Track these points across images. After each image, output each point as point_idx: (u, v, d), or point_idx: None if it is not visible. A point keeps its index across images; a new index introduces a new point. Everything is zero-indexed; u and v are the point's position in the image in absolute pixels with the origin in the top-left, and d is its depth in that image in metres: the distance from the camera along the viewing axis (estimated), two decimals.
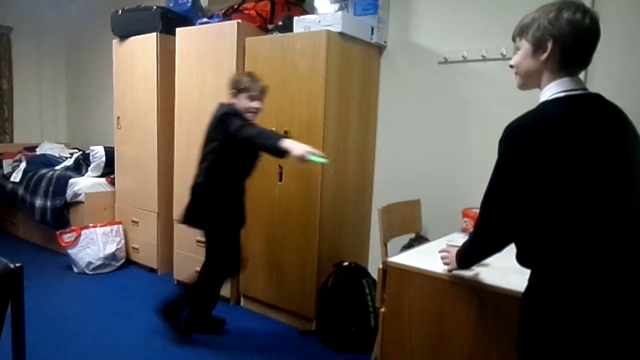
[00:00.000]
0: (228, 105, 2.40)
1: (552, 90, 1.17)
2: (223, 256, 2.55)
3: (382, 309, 1.78)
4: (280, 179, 2.81)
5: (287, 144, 2.08)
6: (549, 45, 1.15)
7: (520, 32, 1.21)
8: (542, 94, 1.19)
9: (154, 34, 3.51)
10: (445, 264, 1.58)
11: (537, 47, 1.17)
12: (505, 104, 2.53)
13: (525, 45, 1.20)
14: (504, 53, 2.51)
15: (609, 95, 1.21)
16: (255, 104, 2.39)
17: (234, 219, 2.57)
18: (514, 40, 1.25)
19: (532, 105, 1.19)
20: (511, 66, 1.26)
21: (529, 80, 1.23)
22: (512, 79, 2.44)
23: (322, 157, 2.05)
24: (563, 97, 1.15)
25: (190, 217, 2.49)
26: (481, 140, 2.62)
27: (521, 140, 1.11)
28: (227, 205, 2.49)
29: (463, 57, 2.66)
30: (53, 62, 5.41)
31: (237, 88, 2.39)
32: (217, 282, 2.65)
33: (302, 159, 2.04)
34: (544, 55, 1.16)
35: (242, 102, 2.38)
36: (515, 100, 2.50)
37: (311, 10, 3.18)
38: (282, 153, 2.10)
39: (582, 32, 1.13)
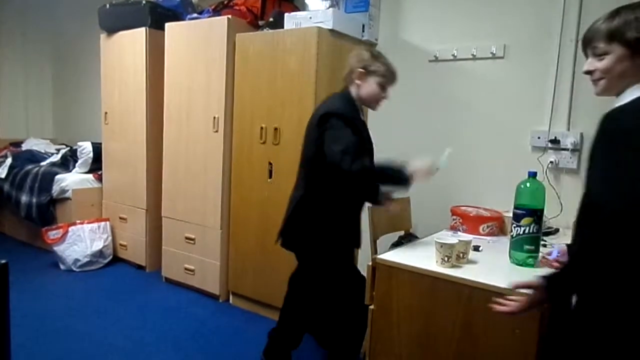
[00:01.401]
0: (341, 96, 1.98)
1: None
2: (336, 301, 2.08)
3: (371, 306, 1.78)
4: (270, 176, 2.80)
5: (414, 176, 1.85)
6: None
7: (610, 36, 1.16)
8: (629, 93, 1.15)
9: (143, 28, 3.47)
10: (511, 311, 1.24)
11: (637, 48, 1.13)
12: (494, 103, 2.55)
13: (618, 49, 1.15)
14: (494, 52, 2.52)
15: None
16: (387, 95, 2.01)
17: (348, 238, 2.08)
18: (594, 46, 1.20)
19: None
20: (588, 72, 1.23)
21: (619, 84, 1.18)
22: (503, 77, 2.50)
23: (445, 154, 1.93)
24: None
25: (287, 236, 2.07)
26: (471, 138, 2.63)
27: (634, 122, 1.07)
28: (338, 222, 2.01)
29: (453, 55, 2.68)
30: (39, 57, 5.32)
31: (369, 69, 1.93)
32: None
33: (430, 175, 1.88)
34: None
35: (371, 88, 1.95)
36: (505, 99, 2.54)
37: (302, 6, 3.16)
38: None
39: None
